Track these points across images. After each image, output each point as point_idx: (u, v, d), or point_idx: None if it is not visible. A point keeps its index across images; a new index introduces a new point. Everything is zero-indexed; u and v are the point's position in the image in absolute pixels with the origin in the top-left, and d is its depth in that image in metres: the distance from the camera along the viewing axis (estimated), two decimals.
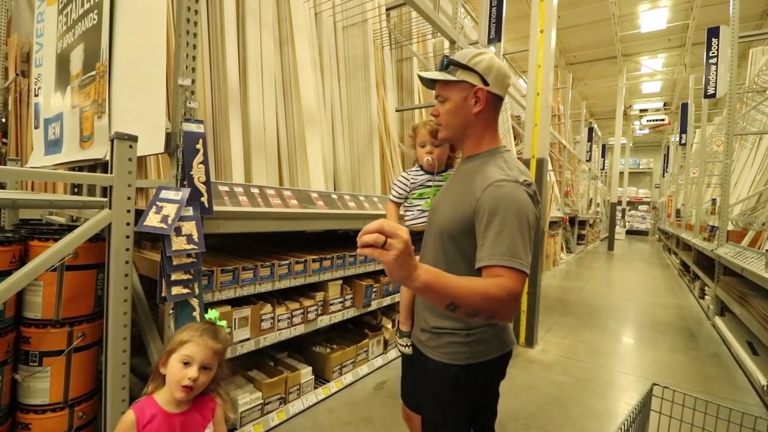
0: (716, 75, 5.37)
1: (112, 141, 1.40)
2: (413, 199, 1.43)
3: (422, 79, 1.14)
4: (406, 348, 1.31)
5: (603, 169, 15.76)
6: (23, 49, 3.58)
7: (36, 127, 2.76)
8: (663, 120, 15.70)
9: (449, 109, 1.08)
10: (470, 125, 1.08)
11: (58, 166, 2.30)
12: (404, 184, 1.45)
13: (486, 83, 1.04)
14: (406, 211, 1.48)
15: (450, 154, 1.42)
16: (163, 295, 1.45)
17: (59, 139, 2.41)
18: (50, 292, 1.43)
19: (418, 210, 1.41)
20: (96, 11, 2.03)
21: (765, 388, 2.57)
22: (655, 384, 1.22)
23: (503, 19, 4.25)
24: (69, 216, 2.55)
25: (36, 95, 2.82)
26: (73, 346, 1.46)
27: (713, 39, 5.45)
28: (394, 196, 1.49)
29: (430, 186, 1.44)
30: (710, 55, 5.44)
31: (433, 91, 1.13)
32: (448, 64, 1.07)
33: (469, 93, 1.05)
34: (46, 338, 1.43)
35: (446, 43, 3.82)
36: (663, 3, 9.38)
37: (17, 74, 3.43)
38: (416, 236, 1.25)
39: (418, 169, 1.44)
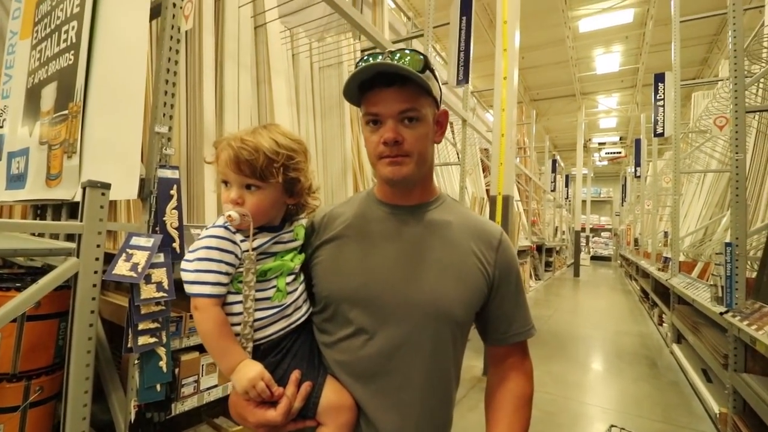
0: (663, 116, 5.87)
1: (84, 188, 1.39)
2: (260, 280, 0.75)
3: (360, 83, 0.72)
4: None
5: (567, 198, 16.53)
6: None
7: None
8: (620, 153, 16.75)
9: (423, 134, 0.72)
10: (430, 159, 0.77)
11: (19, 203, 2.22)
12: (226, 255, 0.72)
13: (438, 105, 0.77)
14: (243, 304, 0.72)
15: (288, 200, 0.80)
16: (129, 345, 1.42)
17: (23, 174, 2.33)
18: (8, 345, 1.37)
19: (277, 303, 0.75)
20: (72, 52, 2.03)
21: (717, 415, 2.72)
22: (612, 426, 1.29)
23: (471, 62, 4.52)
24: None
25: (0, 126, 2.73)
26: (29, 401, 1.38)
27: (659, 83, 5.98)
28: (210, 284, 0.70)
29: (278, 252, 0.78)
30: (658, 97, 5.96)
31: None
32: (425, 67, 0.69)
33: (434, 114, 0.75)
34: (0, 394, 1.36)
35: None
36: (615, 48, 10.26)
37: None
38: (274, 351, 0.75)
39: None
